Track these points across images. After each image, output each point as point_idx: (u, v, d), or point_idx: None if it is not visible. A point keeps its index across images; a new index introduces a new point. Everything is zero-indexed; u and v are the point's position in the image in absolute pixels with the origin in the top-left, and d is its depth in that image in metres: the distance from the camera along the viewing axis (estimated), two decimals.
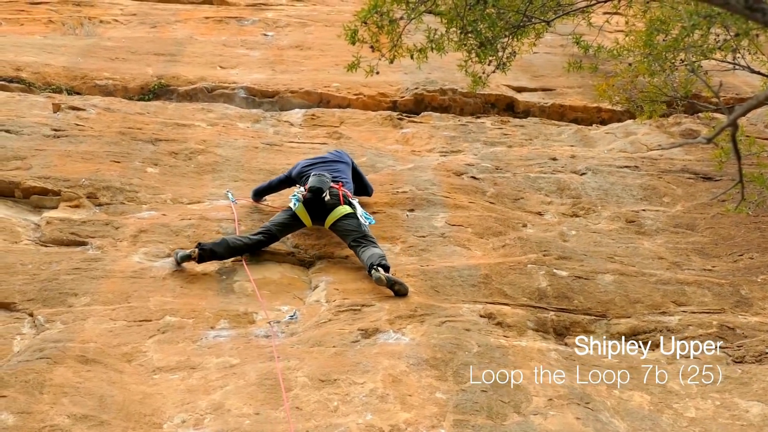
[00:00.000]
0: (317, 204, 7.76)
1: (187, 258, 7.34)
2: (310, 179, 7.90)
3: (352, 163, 8.57)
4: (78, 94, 11.10)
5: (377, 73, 8.71)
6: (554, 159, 9.94)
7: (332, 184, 7.87)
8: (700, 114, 11.46)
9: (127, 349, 6.30)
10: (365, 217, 7.71)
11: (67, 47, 12.50)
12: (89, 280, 7.11)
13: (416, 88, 11.97)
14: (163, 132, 9.86)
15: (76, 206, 8.22)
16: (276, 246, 7.84)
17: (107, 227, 7.92)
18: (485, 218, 8.41)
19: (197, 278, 7.31)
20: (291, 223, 7.81)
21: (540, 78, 12.99)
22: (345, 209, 7.74)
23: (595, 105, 11.96)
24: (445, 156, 10.12)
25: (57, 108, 10.19)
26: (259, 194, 8.58)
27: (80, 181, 8.47)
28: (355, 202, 7.92)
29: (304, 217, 7.79)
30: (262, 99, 11.63)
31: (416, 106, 11.91)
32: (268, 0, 16.19)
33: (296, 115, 11.24)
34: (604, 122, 11.87)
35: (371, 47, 8.45)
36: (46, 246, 7.66)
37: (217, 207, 8.41)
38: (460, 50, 8.93)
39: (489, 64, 9.10)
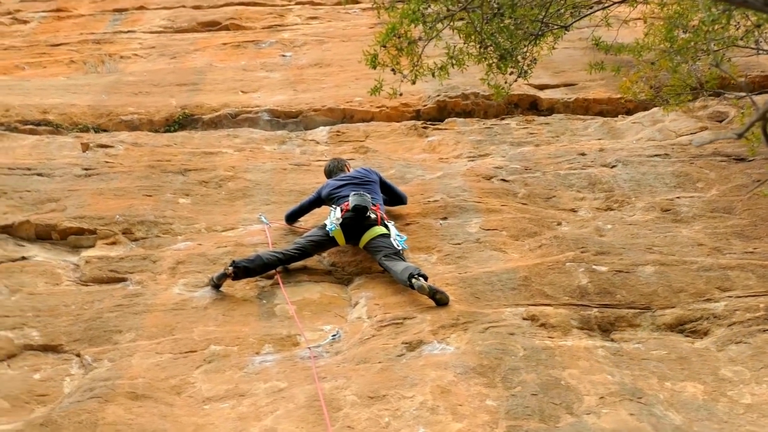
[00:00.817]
0: (355, 223, 7.81)
1: (224, 277, 7.41)
2: (352, 198, 7.91)
3: (380, 177, 8.59)
4: (105, 131, 11.18)
5: (400, 95, 8.74)
6: (583, 154, 9.90)
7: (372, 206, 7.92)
8: (727, 95, 11.35)
9: (176, 382, 6.33)
10: (398, 240, 7.76)
11: (90, 86, 12.61)
12: (132, 316, 7.16)
13: (438, 96, 11.96)
14: (192, 162, 9.92)
15: (113, 243, 8.29)
16: (313, 265, 7.88)
17: (145, 261, 7.98)
18: (519, 220, 8.39)
19: (238, 305, 7.34)
20: (325, 241, 7.86)
21: (561, 74, 12.92)
22: (381, 230, 7.79)
23: (619, 96, 11.85)
24: (473, 161, 10.10)
25: (86, 147, 10.29)
26: (292, 217, 8.62)
27: (115, 218, 8.55)
28: (390, 224, 7.96)
29: (339, 238, 7.83)
30: (286, 120, 11.66)
31: (439, 113, 11.90)
32: (284, 21, 16.26)
33: (321, 132, 11.27)
34: (629, 112, 11.77)
35: (392, 70, 8.46)
36: (87, 285, 7.73)
37: (251, 232, 8.45)
38: (481, 63, 8.91)
39: (510, 74, 9.08)
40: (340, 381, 6.14)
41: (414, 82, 8.80)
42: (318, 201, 8.50)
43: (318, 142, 10.99)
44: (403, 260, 7.51)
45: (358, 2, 16.72)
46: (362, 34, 14.90)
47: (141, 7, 16.87)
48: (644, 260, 7.60)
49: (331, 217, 7.90)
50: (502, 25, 8.47)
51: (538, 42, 9.07)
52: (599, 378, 6.05)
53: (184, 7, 16.88)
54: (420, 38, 8.47)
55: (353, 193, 8.00)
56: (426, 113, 11.85)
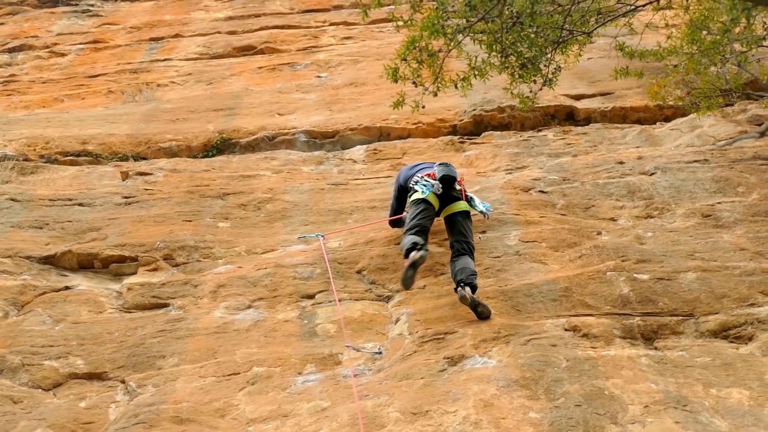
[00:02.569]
0: (442, 192, 7.85)
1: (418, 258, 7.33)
2: (438, 168, 7.96)
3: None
4: (144, 159, 11.32)
5: (423, 107, 8.75)
6: (621, 162, 9.82)
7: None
8: (764, 96, 11.25)
9: (219, 405, 6.37)
10: (485, 208, 7.92)
11: (128, 115, 12.76)
12: (175, 341, 7.22)
13: (474, 110, 11.95)
14: (230, 185, 9.99)
15: (154, 269, 8.37)
16: (353, 284, 7.88)
17: (186, 286, 8.05)
18: (558, 231, 8.34)
19: (280, 325, 7.37)
20: (427, 208, 7.80)
21: (597, 83, 12.87)
22: (464, 205, 7.86)
23: (656, 103, 11.80)
24: (510, 173, 10.07)
25: (125, 176, 10.42)
26: (397, 223, 8.58)
27: (155, 244, 8.63)
28: (473, 195, 8.06)
29: (435, 202, 7.83)
30: (323, 140, 11.72)
31: (476, 127, 11.90)
32: (318, 42, 16.36)
33: (358, 151, 11.31)
34: (668, 119, 11.70)
35: (413, 83, 8.47)
36: (130, 312, 7.81)
37: (291, 253, 8.48)
38: (503, 73, 8.90)
39: (535, 83, 9.05)
40: (383, 398, 6.14)
41: (436, 95, 8.79)
42: (402, 190, 8.45)
43: (355, 161, 11.03)
44: (471, 254, 7.48)
45: (390, 20, 16.77)
46: (396, 52, 14.92)
47: (177, 35, 17.06)
48: (686, 267, 7.52)
49: (423, 183, 7.90)
50: (522, 33, 8.44)
51: (561, 50, 9.02)
52: (643, 387, 5.99)
53: (219, 33, 17.05)
54: (441, 50, 8.47)
55: (439, 164, 8.07)
56: (462, 128, 11.85)
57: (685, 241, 8.03)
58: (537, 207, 8.89)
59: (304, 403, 6.30)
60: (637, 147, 10.63)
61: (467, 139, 11.53)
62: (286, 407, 6.27)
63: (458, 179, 8.03)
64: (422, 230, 7.65)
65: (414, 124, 11.77)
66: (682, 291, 7.18)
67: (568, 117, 12.11)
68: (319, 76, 14.44)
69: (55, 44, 16.95)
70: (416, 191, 7.94)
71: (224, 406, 6.37)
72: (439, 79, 8.64)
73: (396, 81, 8.45)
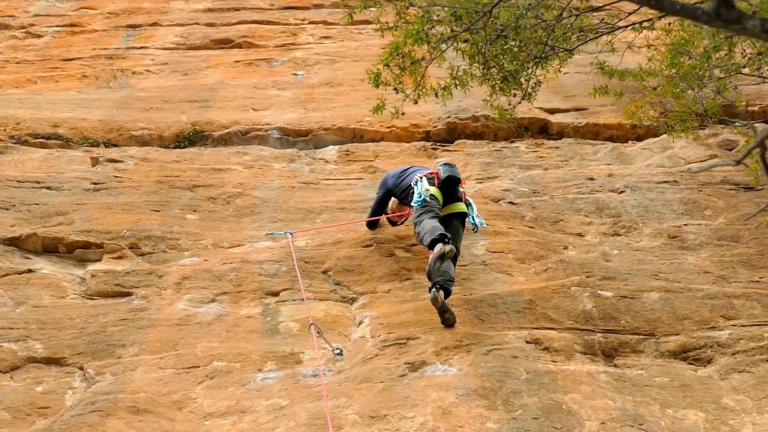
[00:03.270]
0: (445, 193, 7.78)
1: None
2: (443, 168, 7.87)
3: None
4: (115, 146, 11.22)
5: (403, 114, 8.73)
6: (591, 179, 9.89)
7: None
8: (737, 123, 11.37)
9: (178, 397, 6.33)
10: (479, 222, 7.83)
11: (101, 101, 12.66)
12: (136, 330, 7.17)
13: (448, 117, 11.96)
14: (200, 178, 9.95)
15: (120, 258, 8.31)
16: (318, 284, 7.87)
17: (151, 276, 8.00)
18: (525, 243, 8.38)
19: (242, 321, 7.34)
20: (435, 207, 7.65)
21: (572, 98, 12.93)
22: (462, 207, 7.80)
23: (629, 121, 11.87)
24: (481, 183, 10.10)
25: (95, 162, 10.33)
26: (373, 225, 8.57)
27: (122, 232, 8.57)
28: (471, 201, 8.04)
29: (440, 196, 7.74)
30: (296, 138, 11.68)
31: (449, 134, 11.91)
32: (297, 39, 16.30)
33: (331, 151, 11.28)
34: (640, 138, 11.77)
35: (395, 89, 8.47)
36: (92, 299, 7.74)
37: (257, 249, 8.45)
38: (484, 84, 8.93)
39: (514, 96, 9.09)
40: (342, 400, 6.14)
41: (416, 102, 8.80)
42: (388, 194, 8.36)
43: (327, 161, 11.01)
44: (454, 263, 7.28)
45: (370, 23, 16.80)
46: (374, 54, 14.74)
47: (154, 24, 16.94)
48: (649, 286, 7.59)
49: (419, 189, 7.77)
50: (505, 47, 8.48)
51: (542, 65, 9.07)
52: (601, 403, 6.03)
53: (197, 24, 16.95)
54: (424, 58, 8.48)
55: (443, 164, 8.00)
56: (436, 134, 11.86)
57: (650, 261, 8.10)
58: (506, 218, 8.92)
59: (262, 400, 6.28)
60: (608, 164, 10.70)
61: (440, 145, 11.53)
62: (245, 403, 6.24)
63: (462, 181, 8.00)
64: (440, 220, 7.50)
65: (388, 127, 11.75)
66: (644, 310, 7.24)
67: (541, 130, 12.14)
68: (295, 74, 14.40)
69: (32, 25, 16.77)
70: (418, 194, 7.76)
71: (182, 398, 6.32)
72: (420, 87, 8.64)
73: (378, 86, 8.44)
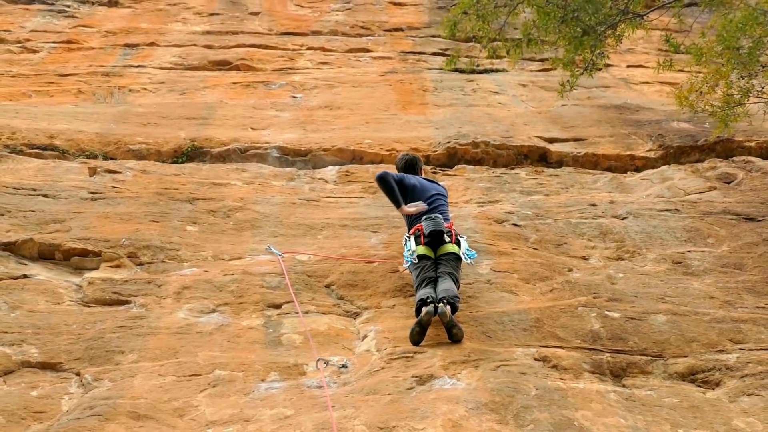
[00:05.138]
0: (432, 242, 7.68)
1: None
2: (426, 224, 7.73)
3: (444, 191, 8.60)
4: (112, 159, 11.09)
5: (477, 66, 8.49)
6: (594, 205, 9.85)
7: (445, 224, 7.82)
8: (734, 158, 11.41)
9: (179, 404, 6.21)
10: (468, 255, 7.71)
11: (99, 114, 12.54)
12: (135, 338, 7.04)
13: (448, 142, 11.91)
14: (200, 191, 9.85)
15: (117, 266, 8.19)
16: (321, 298, 7.77)
17: (150, 285, 7.87)
18: (530, 264, 8.31)
19: (244, 332, 7.22)
20: (427, 264, 7.59)
21: (571, 128, 12.89)
22: (453, 248, 7.66)
23: (628, 153, 11.86)
24: (482, 206, 10.03)
25: (93, 172, 10.20)
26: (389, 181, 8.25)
27: (120, 241, 8.45)
28: (462, 239, 7.89)
29: (429, 252, 7.64)
30: (295, 158, 11.60)
31: (449, 159, 11.84)
32: (295, 64, 16.25)
33: (330, 172, 11.18)
34: (638, 169, 11.74)
35: (473, 38, 8.22)
36: (89, 306, 7.62)
37: (259, 262, 8.34)
38: (559, 42, 8.73)
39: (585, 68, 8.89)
40: (349, 410, 6.02)
41: (489, 57, 8.55)
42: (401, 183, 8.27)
43: (327, 181, 10.91)
44: (455, 281, 7.36)
45: (368, 51, 16.85)
46: (372, 81, 14.94)
47: (152, 44, 16.86)
48: (656, 309, 7.52)
49: (407, 249, 7.75)
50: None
51: (613, 33, 8.89)
52: (612, 421, 5.93)
53: (195, 45, 16.88)
54: (505, 4, 8.21)
55: (426, 218, 7.82)
56: (436, 159, 11.79)
57: (655, 285, 8.04)
58: (510, 239, 8.85)
59: (266, 409, 6.15)
60: (609, 192, 10.66)
61: (440, 170, 11.47)
62: (248, 412, 6.11)
63: (448, 225, 7.86)
64: (431, 281, 7.43)
65: (388, 150, 11.68)
66: (652, 332, 7.17)
67: (540, 158, 12.10)
68: (294, 96, 14.33)
69: (28, 40, 16.65)
70: (406, 255, 7.76)
71: (183, 406, 6.19)
72: (492, 41, 8.42)
73: (454, 34, 8.25)
